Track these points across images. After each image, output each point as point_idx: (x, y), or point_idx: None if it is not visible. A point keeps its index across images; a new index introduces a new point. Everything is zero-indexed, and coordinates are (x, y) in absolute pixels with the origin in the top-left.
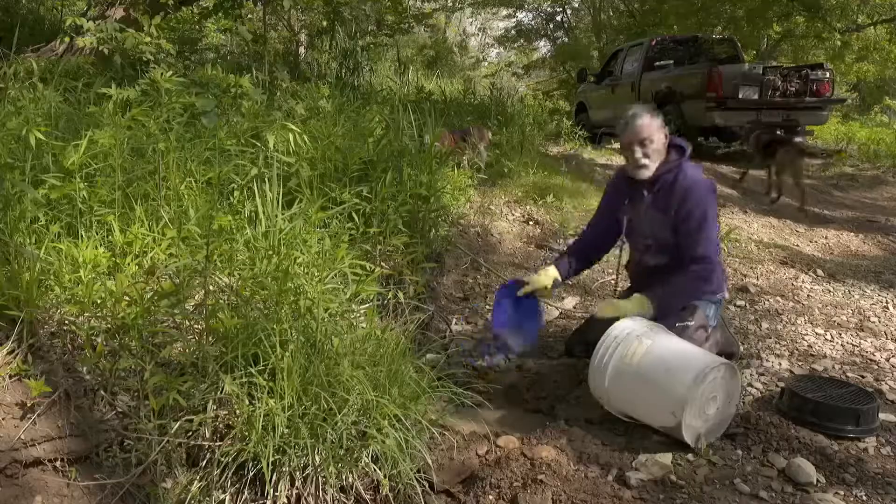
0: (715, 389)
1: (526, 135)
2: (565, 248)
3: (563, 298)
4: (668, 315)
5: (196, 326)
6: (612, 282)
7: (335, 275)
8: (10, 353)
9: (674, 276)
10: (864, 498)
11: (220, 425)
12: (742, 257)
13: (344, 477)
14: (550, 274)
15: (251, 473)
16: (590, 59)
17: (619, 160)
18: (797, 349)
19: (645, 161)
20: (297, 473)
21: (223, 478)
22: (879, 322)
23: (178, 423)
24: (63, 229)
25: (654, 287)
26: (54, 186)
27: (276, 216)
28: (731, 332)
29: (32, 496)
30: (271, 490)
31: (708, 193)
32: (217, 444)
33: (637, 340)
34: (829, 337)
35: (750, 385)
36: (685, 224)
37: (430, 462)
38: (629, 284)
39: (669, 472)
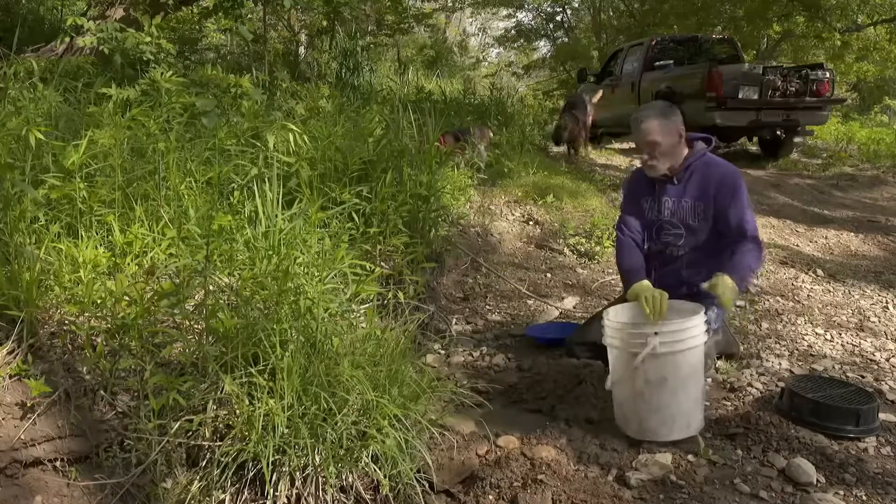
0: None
1: (526, 135)
2: (626, 258)
3: (563, 298)
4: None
5: (196, 326)
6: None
7: (335, 275)
8: (10, 353)
9: (734, 255)
10: (864, 498)
11: (220, 425)
12: None
13: (344, 477)
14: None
15: (251, 473)
16: (590, 59)
17: (619, 160)
18: (797, 349)
19: (652, 162)
20: (297, 473)
21: (223, 478)
22: (879, 322)
23: (178, 423)
24: (63, 229)
25: (724, 269)
26: (54, 186)
27: (276, 216)
28: (731, 333)
29: (32, 496)
30: (271, 490)
31: (741, 180)
32: (217, 444)
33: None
34: (829, 337)
35: (750, 385)
36: (730, 209)
37: (430, 462)
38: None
39: (669, 472)
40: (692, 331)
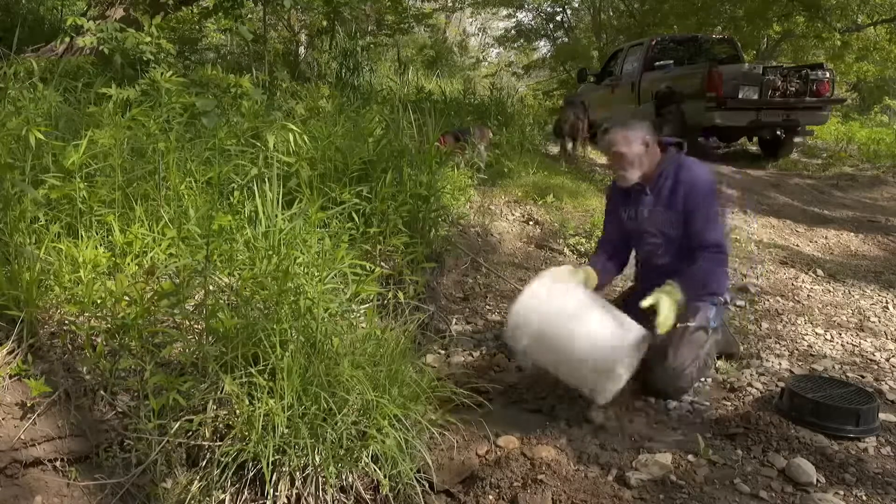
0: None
1: (526, 135)
2: (593, 262)
3: None
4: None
5: (196, 326)
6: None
7: (335, 275)
8: (10, 353)
9: (689, 267)
10: (864, 498)
11: (220, 425)
12: (742, 257)
13: (344, 477)
14: (587, 270)
15: (251, 473)
16: (590, 59)
17: None
18: (797, 349)
19: (621, 173)
20: (297, 473)
21: (223, 478)
22: (879, 322)
23: (178, 423)
24: (63, 229)
25: (672, 278)
26: (54, 186)
27: (276, 216)
28: (731, 333)
29: (32, 496)
30: (271, 490)
31: (711, 185)
32: (217, 444)
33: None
34: (829, 337)
35: (750, 385)
36: (696, 214)
37: (430, 462)
38: (632, 285)
39: (669, 472)
40: (536, 289)
